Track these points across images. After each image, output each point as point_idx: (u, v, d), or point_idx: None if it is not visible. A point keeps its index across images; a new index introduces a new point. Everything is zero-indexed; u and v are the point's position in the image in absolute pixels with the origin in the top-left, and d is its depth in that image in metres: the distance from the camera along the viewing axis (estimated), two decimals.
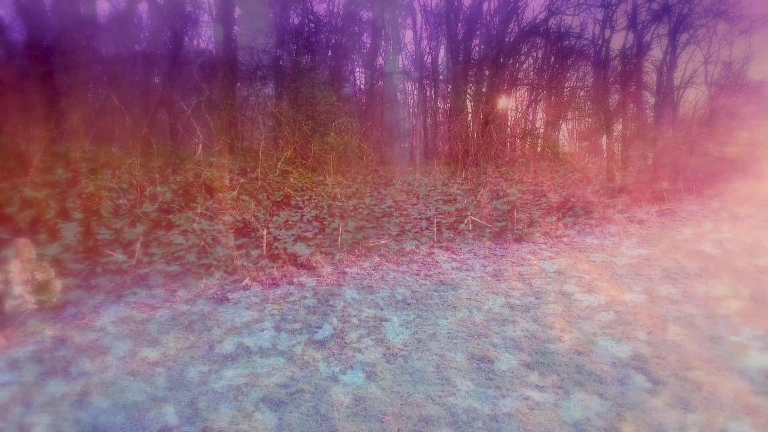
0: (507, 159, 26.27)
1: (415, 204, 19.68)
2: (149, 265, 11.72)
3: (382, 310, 9.68)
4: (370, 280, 11.66)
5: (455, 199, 20.13)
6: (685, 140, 28.57)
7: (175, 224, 14.60)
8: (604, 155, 28.04)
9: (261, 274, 11.67)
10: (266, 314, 9.37)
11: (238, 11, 27.29)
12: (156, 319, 9.06)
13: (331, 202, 18.57)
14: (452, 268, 12.46)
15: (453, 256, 14.04)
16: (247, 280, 11.16)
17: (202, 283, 10.96)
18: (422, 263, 13.19)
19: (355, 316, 9.34)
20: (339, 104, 23.54)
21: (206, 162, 19.13)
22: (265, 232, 14.53)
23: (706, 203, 24.50)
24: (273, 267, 12.24)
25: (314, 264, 12.81)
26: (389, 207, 18.88)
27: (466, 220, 18.06)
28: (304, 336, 8.51)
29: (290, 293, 10.52)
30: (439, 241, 15.83)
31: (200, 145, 23.56)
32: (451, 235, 16.53)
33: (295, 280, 11.38)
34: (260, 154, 20.40)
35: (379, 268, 12.65)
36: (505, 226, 17.79)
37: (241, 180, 18.46)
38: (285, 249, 13.54)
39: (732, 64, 31.04)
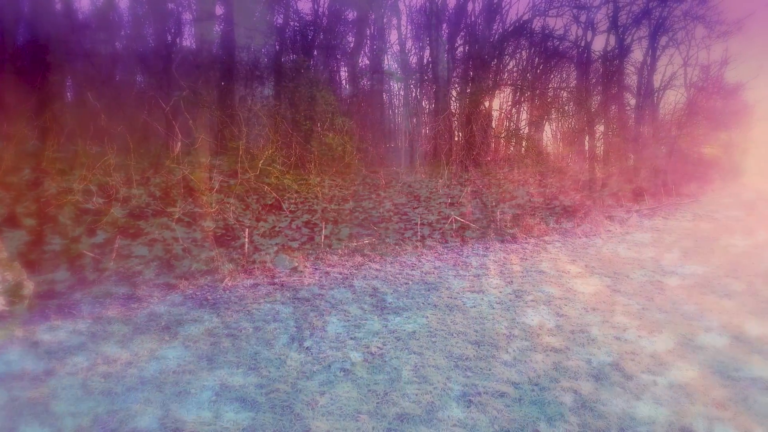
0: (500, 159, 24.36)
1: (416, 207, 17.61)
2: (94, 285, 9.31)
3: (372, 355, 7.58)
4: (360, 309, 9.60)
5: (455, 203, 18.14)
6: (665, 141, 27.01)
7: (144, 231, 12.28)
8: (600, 157, 26.31)
9: (225, 299, 9.52)
10: (217, 365, 6.52)
11: (220, 9, 24.98)
12: (62, 372, 6.18)
13: (313, 203, 16.46)
14: (464, 289, 10.29)
15: (461, 272, 12.05)
16: (206, 309, 8.99)
17: (148, 311, 8.55)
18: (422, 281, 11.18)
19: (337, 363, 6.84)
20: (327, 104, 21.46)
21: (186, 162, 16.91)
22: (246, 240, 12.37)
23: (745, 208, 22.77)
24: (244, 289, 10.11)
25: (296, 280, 10.73)
26: (388, 211, 16.77)
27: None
28: (259, 408, 5.52)
29: (257, 329, 8.02)
30: (439, 251, 13.85)
31: (179, 144, 21.25)
32: (458, 244, 14.56)
33: (266, 306, 9.16)
34: (240, 153, 18.23)
35: (372, 288, 10.60)
36: (515, 234, 15.89)
37: (220, 179, 16.23)
38: (264, 262, 11.36)
39: (710, 67, 29.62)
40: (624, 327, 7.83)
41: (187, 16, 26.79)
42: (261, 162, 17.43)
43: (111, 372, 6.33)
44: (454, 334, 7.57)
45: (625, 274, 11.14)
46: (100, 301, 8.86)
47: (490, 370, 6.34)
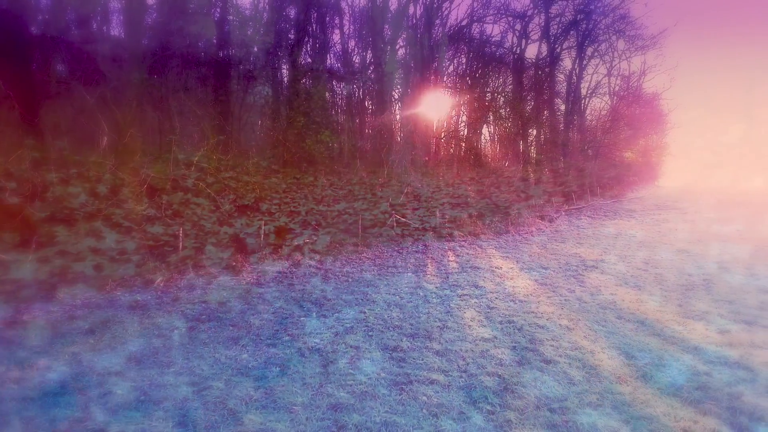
0: (440, 160, 25.03)
1: (357, 206, 17.70)
2: None
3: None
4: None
5: (396, 202, 18.41)
6: (591, 145, 29.05)
7: (57, 240, 10.92)
8: (533, 159, 27.68)
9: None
10: None
11: None
12: None
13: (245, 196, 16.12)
14: (402, 282, 10.54)
15: (399, 268, 12.24)
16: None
17: None
18: (361, 279, 11.27)
19: None
20: (263, 102, 21.09)
21: (111, 157, 16.01)
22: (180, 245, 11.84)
23: (660, 209, 24.05)
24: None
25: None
26: (333, 212, 16.73)
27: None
28: None
29: None
30: (381, 249, 14.01)
31: (105, 139, 20.09)
32: (398, 242, 14.76)
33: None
34: (173, 149, 17.54)
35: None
36: (452, 233, 16.35)
37: (150, 177, 15.43)
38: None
39: (630, 77, 32.24)
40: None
41: (115, 5, 25.33)
42: (196, 158, 16.85)
43: None
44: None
45: (550, 265, 11.93)
46: None
47: None
